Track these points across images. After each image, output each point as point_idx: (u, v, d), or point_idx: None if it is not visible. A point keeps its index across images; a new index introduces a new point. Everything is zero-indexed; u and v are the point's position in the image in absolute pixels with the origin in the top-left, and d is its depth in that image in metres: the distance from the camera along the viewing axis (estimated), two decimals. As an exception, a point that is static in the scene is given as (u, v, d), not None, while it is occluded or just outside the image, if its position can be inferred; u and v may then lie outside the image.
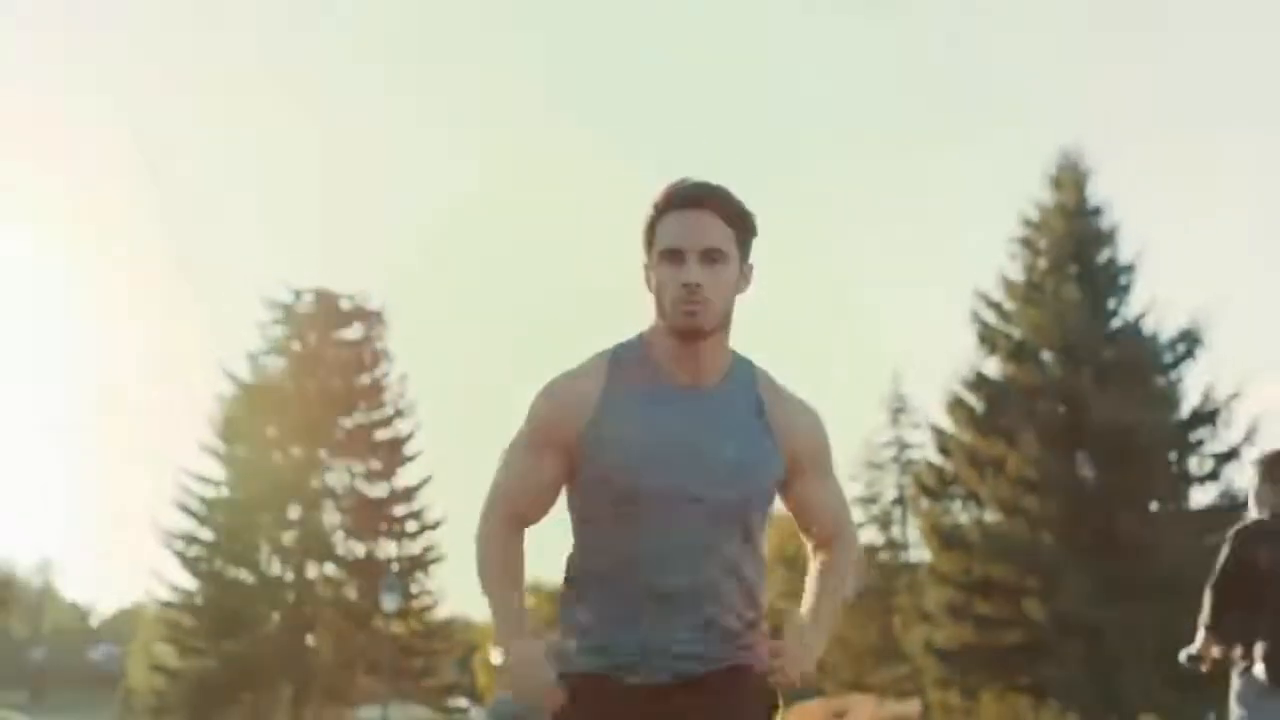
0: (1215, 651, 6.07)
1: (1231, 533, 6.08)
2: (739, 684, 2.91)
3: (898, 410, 43.96)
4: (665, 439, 2.86)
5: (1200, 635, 6.09)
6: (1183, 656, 6.23)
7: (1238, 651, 5.97)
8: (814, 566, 3.12)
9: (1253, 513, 6.13)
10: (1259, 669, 5.84)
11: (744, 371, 2.96)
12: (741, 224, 2.88)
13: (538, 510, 3.00)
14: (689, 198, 2.85)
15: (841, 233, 66.60)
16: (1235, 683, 5.98)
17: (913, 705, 34.05)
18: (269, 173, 70.87)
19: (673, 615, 2.87)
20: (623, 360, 2.93)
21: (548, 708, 2.90)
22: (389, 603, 30.62)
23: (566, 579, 3.00)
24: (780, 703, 2.98)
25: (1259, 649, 5.86)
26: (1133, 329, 29.30)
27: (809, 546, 3.14)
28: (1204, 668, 6.14)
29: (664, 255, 2.84)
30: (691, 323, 2.82)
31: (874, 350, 63.88)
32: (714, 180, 2.91)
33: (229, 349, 51.53)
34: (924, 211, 65.76)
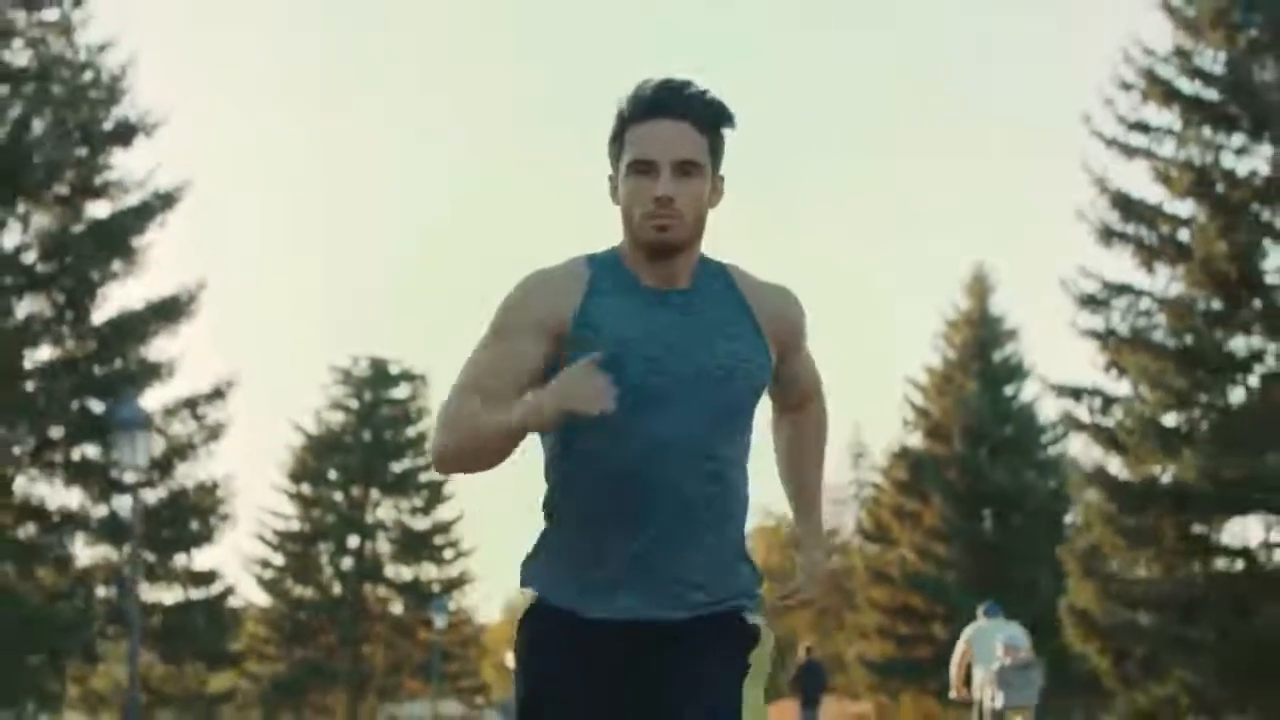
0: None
1: (794, 672, 18.50)
2: (720, 635, 2.67)
3: (858, 455, 51.58)
4: (657, 336, 2.63)
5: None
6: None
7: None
8: (789, 427, 2.96)
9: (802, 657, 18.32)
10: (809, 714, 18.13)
11: (717, 270, 2.74)
12: (716, 131, 2.65)
13: (513, 395, 2.59)
14: (662, 105, 2.61)
15: (833, 260, 70.96)
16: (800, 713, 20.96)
17: (866, 705, 41.44)
18: (328, 255, 76.40)
19: (673, 531, 2.62)
20: (599, 261, 2.70)
21: (600, 403, 2.47)
22: (439, 620, 37.23)
23: (547, 507, 2.72)
24: (760, 635, 2.73)
25: (801, 700, 20.84)
26: (1026, 412, 36.62)
27: (776, 409, 2.96)
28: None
29: (633, 166, 2.60)
30: (663, 238, 2.60)
31: (841, 399, 69.38)
32: (685, 78, 2.63)
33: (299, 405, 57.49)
34: (907, 265, 71.10)
